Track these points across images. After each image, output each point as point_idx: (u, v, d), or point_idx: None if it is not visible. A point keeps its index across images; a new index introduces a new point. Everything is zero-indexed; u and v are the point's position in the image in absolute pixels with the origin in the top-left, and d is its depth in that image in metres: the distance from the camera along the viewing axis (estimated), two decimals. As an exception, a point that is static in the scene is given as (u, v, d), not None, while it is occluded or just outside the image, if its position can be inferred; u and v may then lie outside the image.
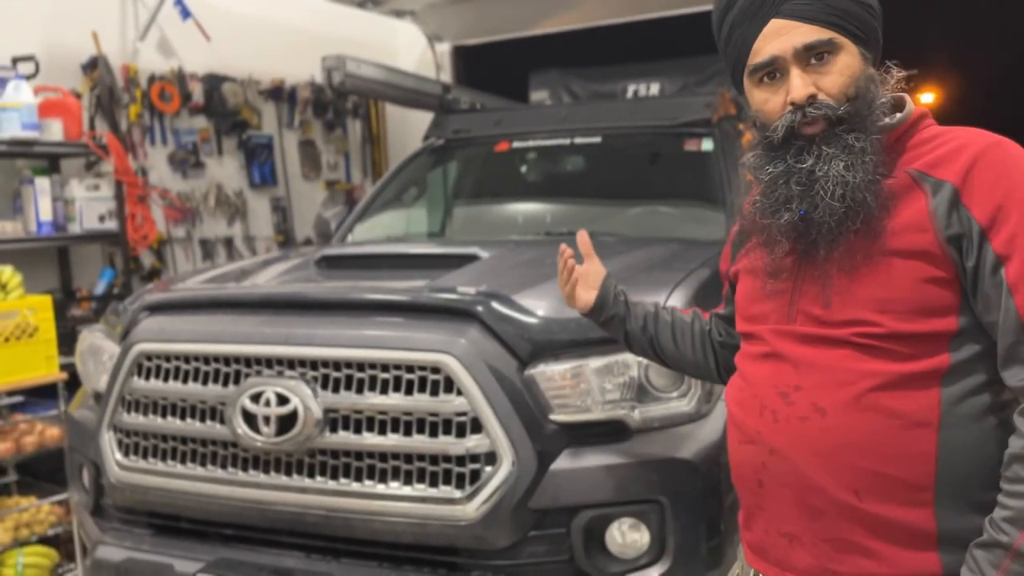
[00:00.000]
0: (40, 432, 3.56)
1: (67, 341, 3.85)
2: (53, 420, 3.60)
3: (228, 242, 5.42)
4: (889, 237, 1.30)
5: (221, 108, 5.26)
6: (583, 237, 1.81)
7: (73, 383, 3.62)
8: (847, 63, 1.34)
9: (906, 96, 1.40)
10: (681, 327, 1.78)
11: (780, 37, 1.34)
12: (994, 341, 1.28)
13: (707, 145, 3.44)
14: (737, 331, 1.54)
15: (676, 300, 2.23)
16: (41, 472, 3.84)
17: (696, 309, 1.82)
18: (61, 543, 3.69)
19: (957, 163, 1.29)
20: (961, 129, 1.36)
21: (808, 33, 1.33)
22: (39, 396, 3.68)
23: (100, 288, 4.50)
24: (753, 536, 1.44)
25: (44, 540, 3.59)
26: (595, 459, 2.05)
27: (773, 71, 1.36)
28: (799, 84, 1.32)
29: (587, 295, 1.78)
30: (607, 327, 1.82)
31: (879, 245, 1.30)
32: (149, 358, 2.36)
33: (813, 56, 1.33)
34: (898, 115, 1.38)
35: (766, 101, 1.38)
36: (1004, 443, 1.26)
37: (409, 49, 6.47)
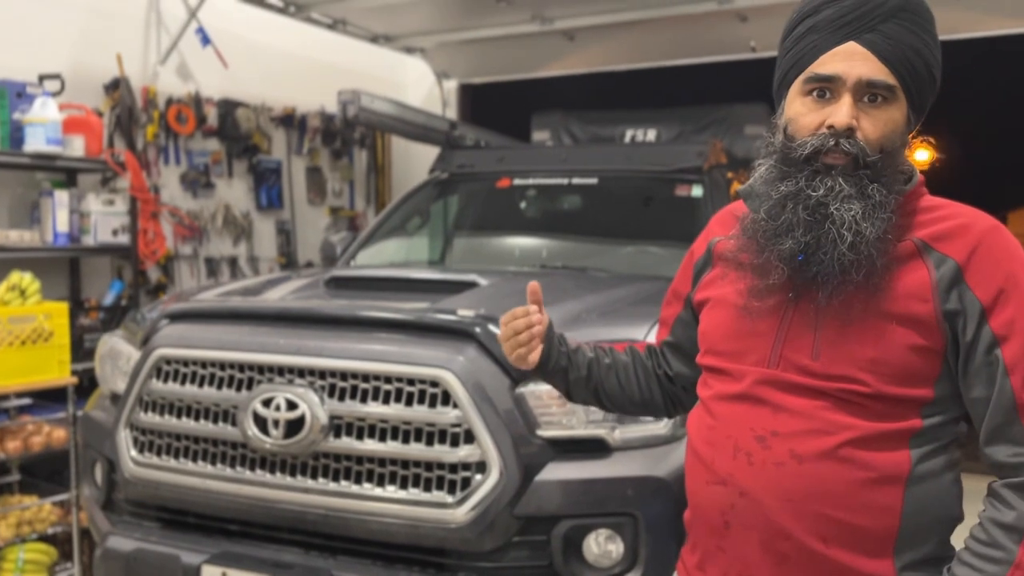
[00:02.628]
0: (47, 433, 3.71)
1: (75, 348, 4.01)
2: (60, 422, 3.75)
3: (232, 261, 5.60)
4: (889, 300, 1.30)
5: (234, 132, 5.47)
6: (535, 288, 1.60)
7: (80, 388, 3.79)
8: (894, 117, 1.34)
9: (913, 164, 1.42)
10: (624, 368, 1.68)
11: (851, 60, 1.32)
12: (962, 411, 1.34)
13: (697, 191, 3.66)
14: (701, 363, 1.50)
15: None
16: (41, 473, 3.97)
17: (631, 345, 1.74)
18: (59, 542, 3.82)
19: (961, 241, 1.31)
20: (959, 205, 1.38)
21: (877, 70, 1.31)
22: (46, 399, 3.83)
23: (109, 299, 4.66)
24: None
25: (44, 538, 3.72)
26: (576, 473, 2.23)
27: (826, 89, 1.34)
28: (847, 112, 1.30)
29: (534, 353, 1.60)
30: (548, 380, 1.67)
31: (877, 305, 1.31)
32: (168, 362, 2.53)
33: (869, 95, 1.32)
34: (910, 184, 1.39)
35: (804, 115, 1.35)
36: (956, 498, 1.35)
37: (418, 84, 6.71)
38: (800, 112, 1.36)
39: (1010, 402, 1.27)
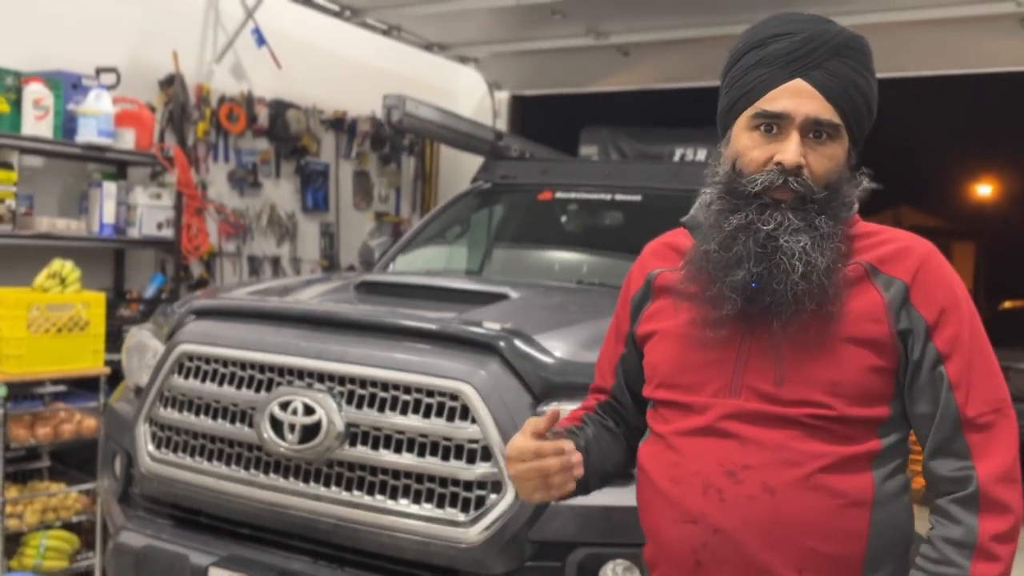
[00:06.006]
0: (78, 422, 3.73)
1: (113, 338, 4.04)
2: (92, 411, 3.77)
3: (275, 261, 5.63)
4: (844, 323, 1.33)
5: (283, 133, 5.51)
6: (556, 416, 1.41)
7: (115, 378, 3.80)
8: (837, 153, 1.37)
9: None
10: (595, 442, 1.55)
11: (799, 98, 1.34)
12: (910, 429, 1.38)
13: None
14: (652, 396, 1.47)
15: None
16: (71, 461, 4.00)
17: (584, 413, 1.61)
18: (83, 531, 3.83)
19: (906, 263, 1.36)
20: (895, 230, 1.44)
21: (824, 109, 1.35)
22: (80, 387, 3.86)
23: (150, 292, 4.70)
24: None
25: (68, 526, 3.74)
26: (596, 499, 2.12)
27: (773, 124, 1.36)
28: (795, 150, 1.33)
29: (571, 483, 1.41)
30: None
31: (833, 329, 1.33)
32: (191, 358, 2.51)
33: (814, 132, 1.35)
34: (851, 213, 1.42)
35: (752, 149, 1.37)
36: (911, 521, 1.38)
37: (470, 94, 6.69)
38: (748, 146, 1.38)
39: (954, 417, 1.32)
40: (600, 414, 1.63)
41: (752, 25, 1.43)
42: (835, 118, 1.36)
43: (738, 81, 1.41)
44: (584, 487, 1.53)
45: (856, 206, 1.42)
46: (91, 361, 3.70)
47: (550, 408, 1.46)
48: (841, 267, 1.35)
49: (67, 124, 4.12)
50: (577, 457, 1.39)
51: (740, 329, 1.37)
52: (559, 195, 3.94)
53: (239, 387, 2.41)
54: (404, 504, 2.19)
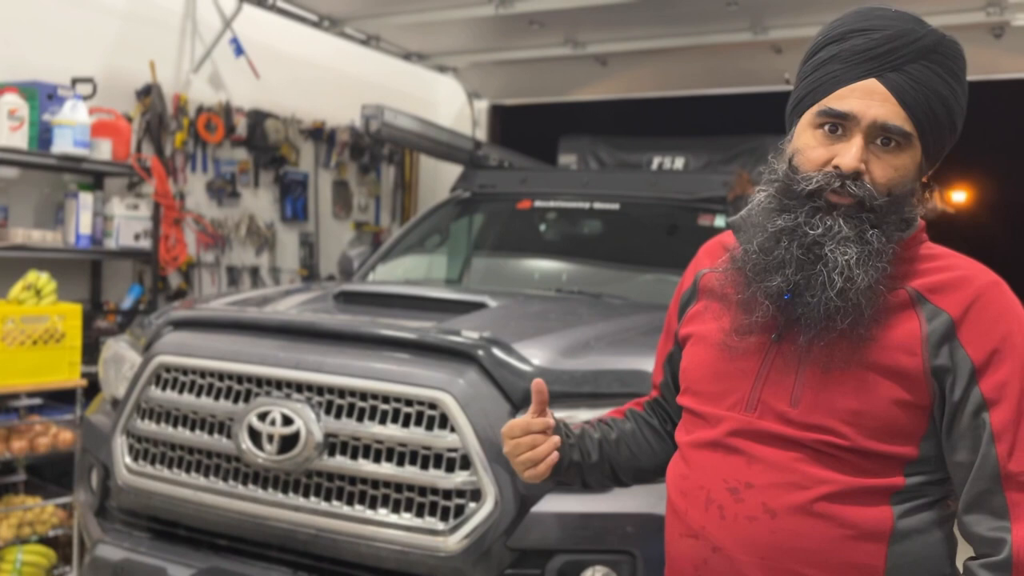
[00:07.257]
0: (54, 435, 3.70)
1: (90, 350, 4.01)
2: (68, 424, 3.74)
3: (254, 271, 5.60)
4: (875, 350, 1.25)
5: (262, 143, 5.49)
6: (541, 386, 1.43)
7: (92, 390, 3.77)
8: (905, 163, 1.28)
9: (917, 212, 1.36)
10: (632, 435, 1.57)
11: (869, 99, 1.26)
12: (948, 472, 1.27)
13: (720, 221, 3.59)
14: (680, 403, 1.45)
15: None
16: (48, 475, 3.96)
17: (630, 407, 1.63)
18: (60, 545, 3.79)
19: (958, 295, 1.26)
20: (961, 257, 1.33)
21: (895, 115, 1.25)
22: (56, 400, 3.82)
23: (127, 303, 4.67)
24: None
25: (44, 540, 3.70)
26: (575, 506, 2.15)
27: (838, 125, 1.28)
28: (855, 155, 1.25)
29: (545, 464, 1.42)
30: (564, 478, 1.52)
31: (862, 354, 1.25)
32: (168, 370, 2.50)
33: (882, 138, 1.26)
34: (909, 230, 1.33)
35: (813, 148, 1.29)
36: (946, 557, 1.28)
37: (449, 103, 6.71)
38: (809, 144, 1.31)
39: (994, 471, 1.21)
40: (648, 411, 1.61)
41: (835, 18, 1.34)
42: (907, 126, 1.26)
43: (809, 75, 1.33)
44: (615, 479, 1.57)
45: (919, 225, 1.34)
46: (67, 373, 3.67)
47: (535, 381, 1.43)
48: (884, 289, 1.25)
49: (42, 135, 4.09)
50: (545, 446, 1.40)
51: (768, 340, 1.32)
52: (538, 204, 3.96)
53: (217, 398, 2.40)
54: (383, 514, 2.19)
